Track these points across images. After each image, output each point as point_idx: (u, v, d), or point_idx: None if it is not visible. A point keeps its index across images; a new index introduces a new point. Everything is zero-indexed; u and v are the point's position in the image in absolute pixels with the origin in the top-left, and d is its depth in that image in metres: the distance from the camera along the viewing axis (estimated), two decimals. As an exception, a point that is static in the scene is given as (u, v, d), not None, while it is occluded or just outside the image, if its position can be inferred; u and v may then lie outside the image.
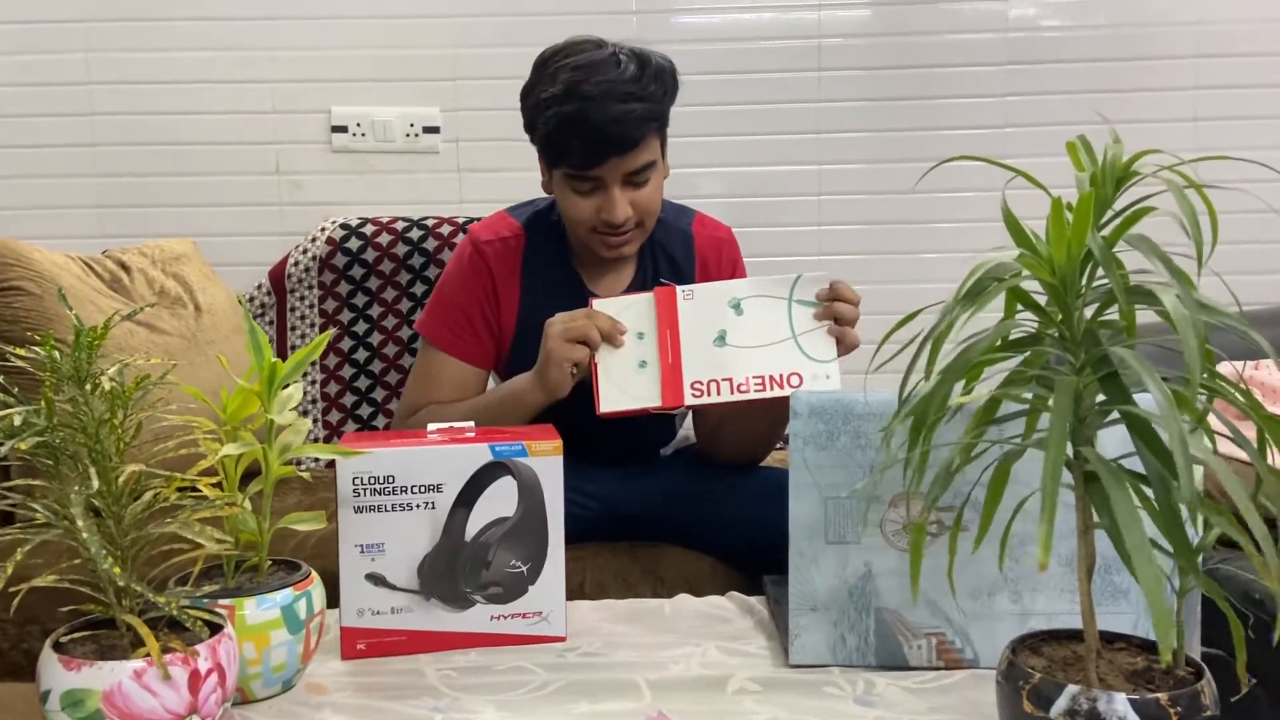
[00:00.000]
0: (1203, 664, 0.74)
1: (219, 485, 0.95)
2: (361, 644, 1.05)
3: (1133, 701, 0.69)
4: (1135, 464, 0.71)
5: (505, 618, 1.07)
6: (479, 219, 2.00)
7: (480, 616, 1.07)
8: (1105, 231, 0.72)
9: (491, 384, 1.61)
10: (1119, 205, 0.74)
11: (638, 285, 1.51)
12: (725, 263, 1.54)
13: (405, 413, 1.49)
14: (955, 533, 0.84)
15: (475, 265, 1.48)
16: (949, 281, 0.75)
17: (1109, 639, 0.81)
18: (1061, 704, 0.71)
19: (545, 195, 1.51)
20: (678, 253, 1.52)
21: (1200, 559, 0.73)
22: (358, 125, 2.17)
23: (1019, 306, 0.78)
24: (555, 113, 1.32)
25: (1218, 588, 0.70)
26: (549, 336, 1.28)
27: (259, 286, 2.02)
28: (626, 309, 1.29)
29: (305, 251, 2.01)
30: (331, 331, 1.09)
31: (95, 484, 0.81)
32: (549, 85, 1.33)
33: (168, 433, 0.94)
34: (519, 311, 1.47)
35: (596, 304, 1.29)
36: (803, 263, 2.22)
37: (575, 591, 1.29)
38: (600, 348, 1.27)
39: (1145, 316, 0.73)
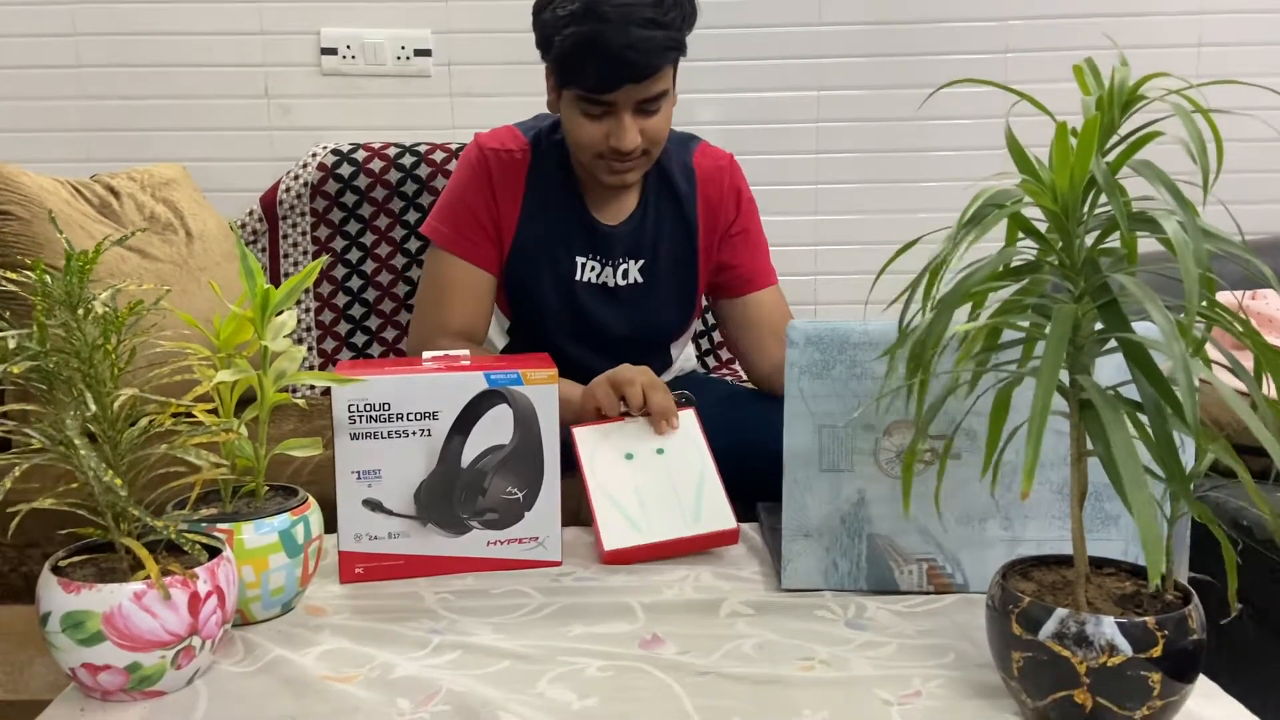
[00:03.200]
0: (1190, 589, 0.75)
1: (214, 411, 0.95)
2: (359, 568, 1.06)
3: (1120, 625, 0.70)
4: (1129, 393, 0.72)
5: (501, 543, 1.09)
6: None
7: (477, 541, 1.08)
8: (1109, 157, 0.71)
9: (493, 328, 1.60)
10: (1123, 131, 0.73)
11: (639, 213, 1.49)
12: (728, 192, 1.51)
13: (419, 336, 1.47)
14: (945, 459, 0.85)
15: (480, 170, 1.46)
16: (947, 210, 0.74)
17: (1098, 564, 0.82)
18: (1050, 627, 0.72)
19: (550, 114, 1.48)
20: (680, 183, 1.50)
21: (1191, 486, 0.74)
22: (347, 47, 2.12)
23: (1020, 234, 0.77)
24: (572, 33, 1.28)
25: (1210, 513, 0.70)
26: (602, 378, 1.24)
27: (250, 213, 2.00)
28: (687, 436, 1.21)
29: (296, 178, 1.98)
30: (324, 259, 1.07)
31: (92, 408, 0.80)
32: (567, 2, 1.29)
33: (161, 359, 0.94)
34: (517, 228, 1.46)
35: (578, 432, 1.21)
36: (800, 191, 2.20)
37: (570, 518, 1.29)
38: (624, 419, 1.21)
39: (1147, 248, 0.73)
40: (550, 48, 1.33)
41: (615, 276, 1.50)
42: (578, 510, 1.37)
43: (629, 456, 1.18)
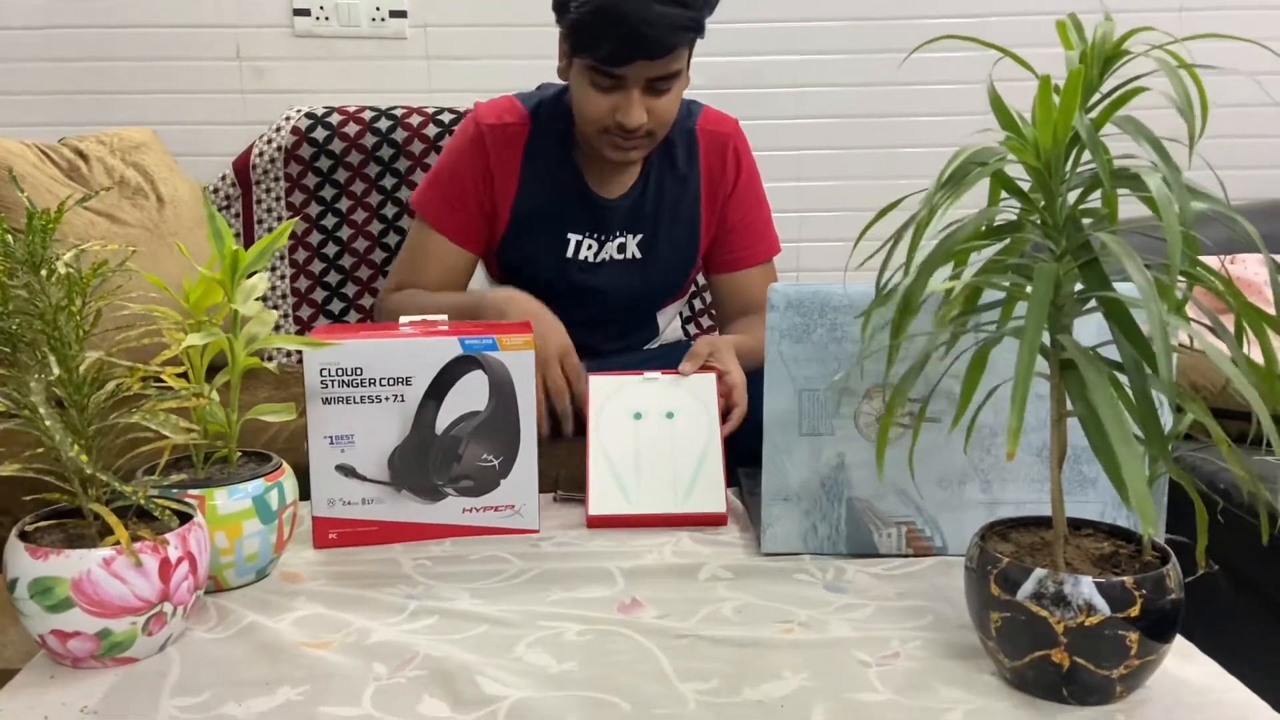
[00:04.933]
0: (1168, 549, 0.75)
1: (184, 376, 0.93)
2: (333, 533, 1.05)
3: (1099, 584, 0.70)
4: (1108, 354, 0.71)
5: (477, 510, 1.08)
6: (450, 109, 1.95)
7: (452, 508, 1.07)
8: (1092, 114, 0.70)
9: (480, 278, 1.58)
10: (1105, 88, 0.72)
11: (639, 186, 1.46)
12: (730, 160, 1.49)
13: (389, 289, 1.48)
14: (920, 420, 0.84)
15: (475, 146, 1.43)
16: (930, 176, 0.73)
17: (1076, 525, 0.82)
18: (1028, 587, 0.72)
19: (554, 83, 1.44)
20: (681, 154, 1.47)
21: (1169, 447, 0.74)
22: (321, 8, 2.08)
23: (1002, 193, 0.76)
24: (591, 0, 1.25)
25: (1185, 474, 0.70)
26: (543, 361, 1.23)
27: (223, 178, 1.96)
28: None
29: (270, 142, 1.95)
30: (295, 220, 1.05)
31: (55, 371, 0.79)
32: None
33: (129, 322, 0.92)
34: (514, 202, 1.44)
35: (594, 381, 1.20)
36: (782, 157, 2.18)
37: (550, 485, 1.29)
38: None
39: (1131, 213, 0.72)
40: (566, 13, 1.30)
41: (612, 251, 1.47)
42: (558, 478, 1.37)
43: (637, 416, 1.17)
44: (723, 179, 1.49)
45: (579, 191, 1.45)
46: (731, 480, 1.21)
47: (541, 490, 1.11)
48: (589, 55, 1.29)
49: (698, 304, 2.02)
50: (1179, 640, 0.79)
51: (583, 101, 1.34)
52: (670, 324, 1.66)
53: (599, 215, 1.45)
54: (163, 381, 0.90)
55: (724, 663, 0.81)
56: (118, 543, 0.78)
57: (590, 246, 1.46)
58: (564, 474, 1.38)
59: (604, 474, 1.13)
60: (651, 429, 1.16)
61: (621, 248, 1.48)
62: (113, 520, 0.78)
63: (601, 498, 1.11)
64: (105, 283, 0.84)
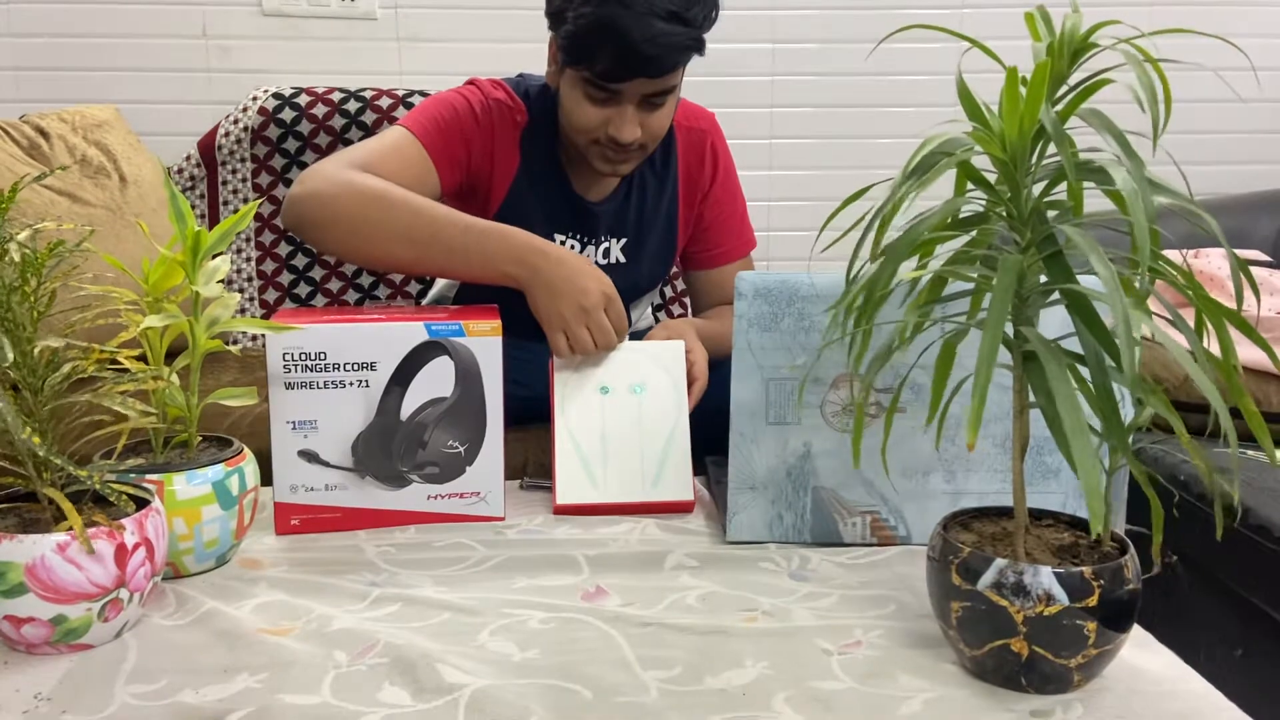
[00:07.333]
0: (1127, 540, 0.76)
1: (142, 359, 0.92)
2: (295, 519, 1.04)
3: (1058, 574, 0.71)
4: (1072, 347, 0.71)
5: (442, 497, 1.07)
6: (421, 92, 1.93)
7: (417, 495, 1.06)
8: (1059, 107, 0.70)
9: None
10: (1073, 81, 0.72)
11: (623, 189, 1.44)
12: (707, 156, 1.47)
13: (347, 165, 1.24)
14: (891, 412, 0.84)
15: (484, 113, 1.35)
16: (898, 167, 0.72)
17: (1037, 516, 0.83)
18: (989, 577, 0.72)
19: (533, 75, 1.41)
20: (658, 151, 1.44)
21: (1131, 439, 0.74)
22: (289, -13, 2.05)
23: (968, 185, 0.76)
24: (590, 13, 1.20)
25: (1143, 467, 0.71)
26: (584, 310, 1.14)
27: (188, 158, 1.93)
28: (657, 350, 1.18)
29: (236, 122, 1.92)
30: (260, 201, 1.03)
31: (9, 354, 0.77)
32: None
33: (86, 303, 0.90)
34: (512, 187, 1.38)
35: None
36: (754, 146, 2.18)
37: (517, 472, 1.28)
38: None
39: (1096, 207, 0.72)
40: (562, 22, 1.24)
41: (596, 255, 1.45)
42: (525, 464, 1.36)
43: (604, 390, 1.15)
44: (700, 177, 1.47)
45: (565, 192, 1.42)
46: (699, 468, 1.21)
47: (507, 477, 1.10)
48: (584, 68, 1.24)
49: (669, 292, 2.01)
50: (1136, 630, 0.80)
51: (574, 112, 1.30)
52: (642, 314, 1.66)
53: (584, 218, 1.43)
54: (120, 364, 0.89)
55: (687, 651, 0.81)
56: (73, 528, 0.76)
57: (573, 248, 1.44)
58: (531, 460, 1.38)
59: (571, 461, 1.12)
60: (619, 406, 1.15)
61: (606, 252, 1.46)
62: (66, 505, 0.77)
63: (568, 487, 1.11)
64: (62, 263, 0.82)
